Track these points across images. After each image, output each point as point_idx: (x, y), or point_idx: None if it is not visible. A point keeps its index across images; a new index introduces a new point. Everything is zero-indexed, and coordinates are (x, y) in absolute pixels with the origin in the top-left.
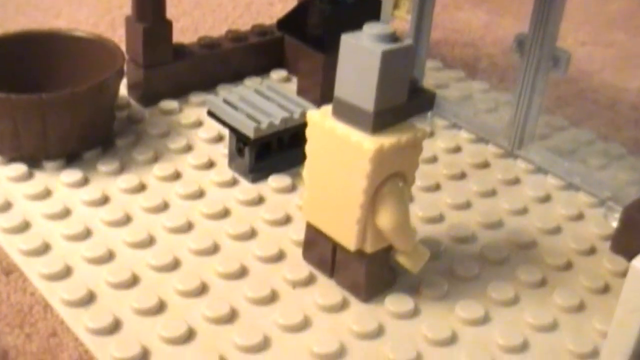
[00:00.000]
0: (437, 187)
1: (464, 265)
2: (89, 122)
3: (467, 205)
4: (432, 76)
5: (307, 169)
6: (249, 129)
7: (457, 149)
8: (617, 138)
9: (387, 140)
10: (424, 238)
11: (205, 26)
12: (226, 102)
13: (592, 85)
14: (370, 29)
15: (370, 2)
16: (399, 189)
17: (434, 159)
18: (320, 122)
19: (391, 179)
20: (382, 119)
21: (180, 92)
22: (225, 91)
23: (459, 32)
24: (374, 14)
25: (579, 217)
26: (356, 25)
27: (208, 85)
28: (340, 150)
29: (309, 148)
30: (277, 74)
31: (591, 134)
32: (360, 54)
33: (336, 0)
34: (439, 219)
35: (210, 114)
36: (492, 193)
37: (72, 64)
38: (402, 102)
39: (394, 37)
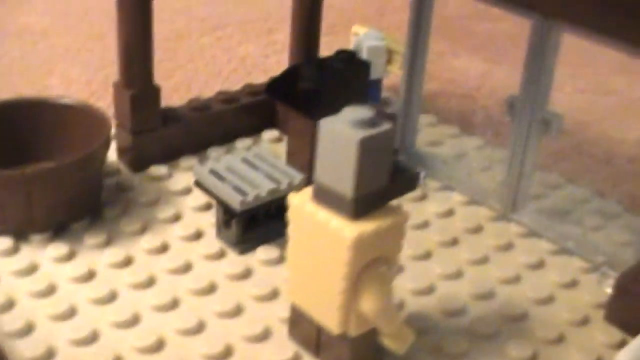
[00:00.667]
0: (427, 256)
1: (452, 341)
2: (76, 194)
3: (458, 275)
4: (427, 132)
5: (290, 250)
6: (235, 202)
7: (449, 213)
8: (613, 195)
9: (367, 226)
10: (413, 312)
11: (199, 81)
12: (213, 172)
13: (589, 137)
14: (349, 114)
15: (360, 65)
16: (381, 274)
17: (425, 224)
18: (301, 205)
19: (373, 264)
20: (363, 204)
21: (171, 156)
22: (215, 157)
23: (454, 83)
24: (364, 77)
25: (573, 284)
26: (345, 89)
27: (199, 147)
28: (320, 235)
29: (290, 230)
30: (269, 134)
31: (587, 192)
32: (337, 140)
33: (324, 65)
34: (429, 290)
35: (197, 184)
36: (484, 260)
37: (60, 131)
38: (383, 185)
39: (373, 122)
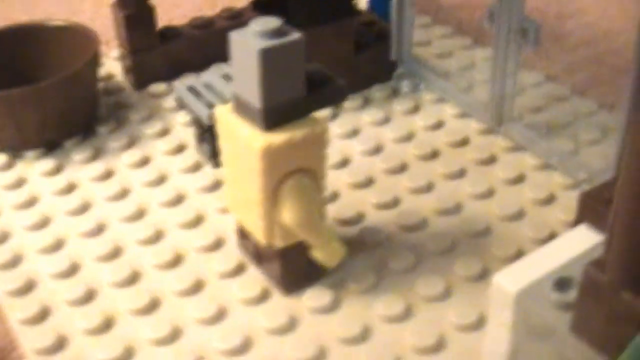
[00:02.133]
0: (401, 169)
1: (399, 257)
2: (64, 113)
3: (427, 189)
4: (438, 44)
5: (224, 164)
6: (204, 116)
7: (437, 126)
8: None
9: (277, 137)
10: (369, 225)
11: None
12: (191, 88)
13: (613, 47)
14: (255, 25)
15: None
16: (302, 185)
17: (408, 137)
18: (224, 117)
19: (294, 175)
20: (275, 115)
21: (175, 73)
22: (208, 72)
23: None
24: None
25: (547, 201)
26: (327, 5)
27: (204, 64)
28: (240, 147)
29: (220, 143)
30: None
31: (594, 104)
32: (244, 51)
33: None
34: (392, 204)
35: (177, 100)
36: (459, 174)
37: (54, 53)
38: (299, 96)
39: (280, 32)
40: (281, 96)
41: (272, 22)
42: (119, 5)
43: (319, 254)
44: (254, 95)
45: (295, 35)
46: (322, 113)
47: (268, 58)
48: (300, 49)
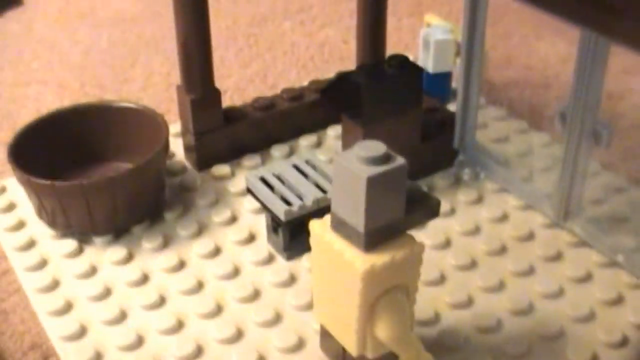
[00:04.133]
0: (472, 266)
1: None
2: (134, 200)
3: (499, 288)
4: (493, 127)
5: (313, 273)
6: (280, 212)
7: (502, 219)
8: None
9: (379, 259)
10: (446, 327)
11: (275, 71)
12: (262, 179)
13: None
14: (360, 150)
15: (411, 71)
16: (397, 301)
17: (476, 231)
18: (320, 233)
19: (390, 292)
20: (376, 237)
21: (236, 154)
22: (276, 157)
23: (533, 69)
24: (415, 83)
25: (616, 301)
26: (397, 96)
27: (264, 145)
28: (336, 264)
29: (312, 255)
30: (334, 130)
31: None
32: (349, 177)
33: (373, 73)
34: (466, 304)
35: (249, 191)
36: (529, 272)
37: (122, 134)
38: (399, 216)
39: (385, 158)
40: (383, 219)
41: (378, 147)
42: (185, 87)
43: None
44: (356, 219)
45: (400, 161)
46: None
47: (374, 185)
48: (403, 173)
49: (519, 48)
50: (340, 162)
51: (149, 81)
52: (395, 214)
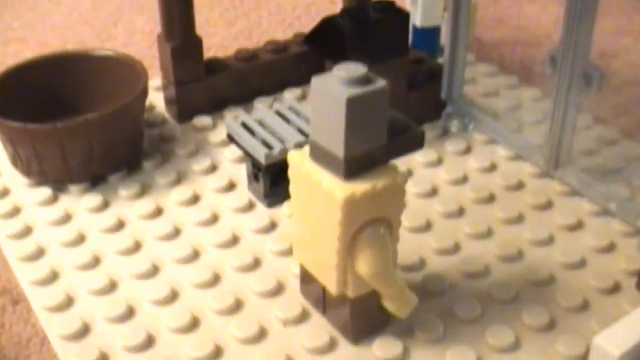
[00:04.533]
0: (459, 213)
1: (465, 305)
2: (110, 146)
3: (486, 235)
4: (483, 83)
5: (292, 210)
6: (260, 155)
7: (491, 168)
8: None
9: (359, 187)
10: (432, 272)
11: (260, 30)
12: (244, 125)
13: None
14: (339, 72)
15: (397, 16)
16: (379, 235)
17: (463, 180)
18: (299, 163)
19: (371, 225)
20: (356, 164)
21: (218, 106)
22: (259, 108)
23: (523, 30)
24: (401, 28)
25: (608, 249)
26: (382, 41)
27: (247, 98)
28: (315, 194)
29: (291, 188)
30: None
31: None
32: (327, 99)
33: (358, 16)
34: (453, 250)
35: (229, 137)
36: (518, 220)
37: (100, 83)
38: (380, 144)
39: (365, 79)
40: (363, 145)
41: (357, 69)
42: (165, 36)
43: (391, 304)
44: (336, 144)
45: (381, 83)
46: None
47: (354, 107)
48: (384, 97)
49: (510, 9)
50: (318, 85)
51: (132, 39)
52: (376, 141)
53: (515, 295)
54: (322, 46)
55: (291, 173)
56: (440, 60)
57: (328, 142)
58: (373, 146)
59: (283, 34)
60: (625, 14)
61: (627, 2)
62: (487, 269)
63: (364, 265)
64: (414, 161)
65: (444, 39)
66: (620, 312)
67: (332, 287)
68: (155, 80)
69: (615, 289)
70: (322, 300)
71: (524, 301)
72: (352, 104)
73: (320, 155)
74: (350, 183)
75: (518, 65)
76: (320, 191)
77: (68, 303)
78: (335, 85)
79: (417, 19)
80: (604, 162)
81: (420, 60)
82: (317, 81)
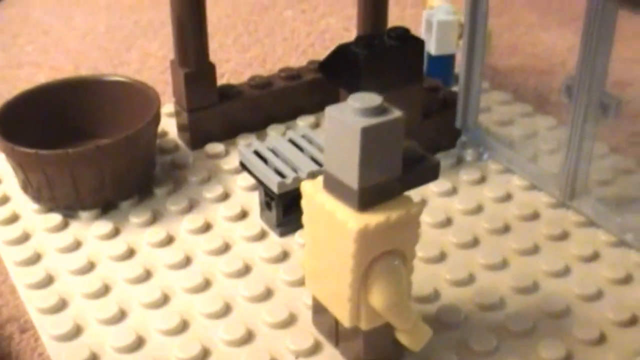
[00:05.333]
0: (474, 244)
1: (480, 338)
2: (122, 173)
3: (501, 266)
4: (497, 111)
5: (305, 240)
6: (273, 184)
7: (506, 198)
8: None
9: (373, 219)
10: (446, 304)
11: (274, 56)
12: (256, 153)
13: None
14: (354, 102)
15: (412, 44)
16: (393, 267)
17: (478, 209)
18: (312, 194)
19: (385, 257)
20: (370, 195)
21: (231, 133)
22: (272, 136)
23: (538, 58)
24: (416, 56)
25: (625, 280)
26: (397, 69)
27: (260, 125)
28: (329, 225)
29: (304, 218)
30: None
31: None
32: (342, 129)
33: (372, 44)
34: (468, 281)
35: (242, 165)
36: (533, 250)
37: (112, 109)
38: (395, 175)
39: (380, 110)
40: (378, 176)
41: (373, 99)
42: (179, 62)
43: (405, 337)
44: (350, 175)
45: (396, 114)
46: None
47: (369, 137)
48: (400, 127)
49: (525, 37)
50: (332, 114)
51: (145, 65)
52: (391, 172)
53: (531, 327)
54: (336, 74)
55: (304, 203)
56: (455, 88)
57: (342, 173)
58: (388, 177)
59: (297, 61)
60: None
61: None
62: (502, 300)
63: (377, 297)
64: (428, 191)
65: (459, 66)
66: (638, 345)
67: (345, 320)
68: (168, 107)
69: (633, 321)
70: (335, 332)
71: (540, 334)
72: (367, 134)
73: (333, 186)
74: (364, 214)
75: (533, 94)
76: (334, 222)
77: (76, 332)
78: (350, 115)
79: (431, 47)
80: (620, 192)
81: (434, 88)
82: (331, 110)
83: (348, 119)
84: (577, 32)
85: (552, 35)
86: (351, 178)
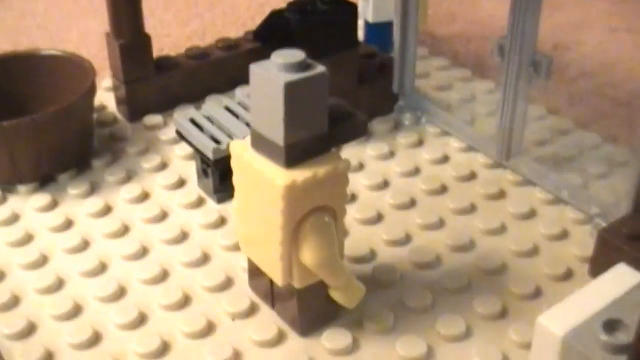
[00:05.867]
0: (410, 205)
1: (416, 295)
2: (60, 146)
3: (438, 225)
4: (436, 76)
5: (236, 202)
6: (209, 151)
7: (443, 160)
8: (629, 141)
9: (301, 175)
10: (382, 263)
11: (214, 30)
12: (192, 121)
13: (614, 79)
14: (277, 58)
15: (345, 8)
16: (324, 224)
17: (415, 172)
18: (241, 153)
19: (315, 214)
20: (298, 152)
21: (170, 105)
22: (209, 104)
23: (478, 25)
24: (350, 20)
25: (562, 236)
26: (331, 35)
27: (199, 96)
28: (258, 184)
29: (235, 180)
30: None
31: (598, 138)
32: (266, 85)
33: (306, 10)
34: (404, 241)
35: (178, 133)
36: (470, 210)
37: (48, 84)
38: (322, 132)
39: (304, 65)
40: (304, 132)
41: (296, 55)
42: (113, 34)
43: (339, 295)
44: (276, 132)
45: (320, 69)
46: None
47: (293, 92)
48: (324, 83)
49: (465, 5)
50: (256, 71)
51: (85, 42)
52: (317, 129)
53: (467, 284)
54: (270, 40)
55: (234, 164)
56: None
57: (269, 131)
58: (314, 134)
59: (237, 34)
60: (579, 6)
61: None
62: (438, 259)
63: (309, 254)
64: (366, 154)
65: (395, 29)
66: None
67: (279, 279)
68: (107, 81)
69: (568, 276)
70: (271, 294)
71: (475, 290)
72: (291, 89)
73: (261, 145)
74: (291, 171)
75: (472, 59)
76: (262, 180)
77: (14, 303)
78: (274, 71)
79: (369, 15)
80: (557, 152)
81: (370, 54)
82: (255, 68)
83: (272, 75)
84: None
85: (491, 3)
86: (277, 135)
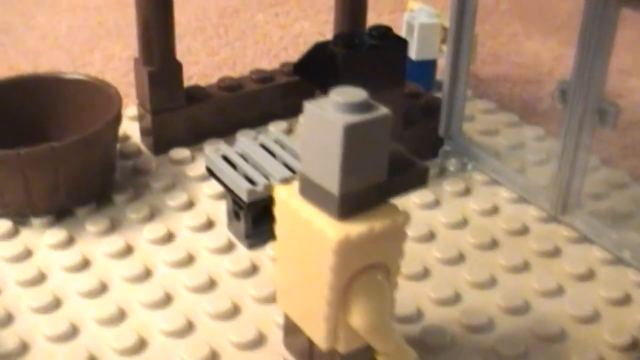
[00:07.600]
0: (459, 260)
1: None
2: (78, 177)
3: (489, 284)
4: (481, 120)
5: (277, 252)
6: (242, 191)
7: (492, 211)
8: None
9: (355, 228)
10: (430, 325)
11: (245, 60)
12: (225, 157)
13: None
14: (336, 96)
15: (395, 43)
16: (377, 284)
17: (463, 223)
18: (286, 200)
19: (367, 272)
20: (352, 202)
21: (198, 138)
22: (242, 140)
23: (523, 67)
24: (399, 57)
25: (623, 301)
26: (378, 70)
27: (229, 129)
28: (305, 235)
29: (277, 228)
30: None
31: None
32: (322, 126)
33: (353, 43)
34: (453, 300)
35: (209, 170)
36: (523, 268)
37: (71, 109)
38: (380, 181)
39: (365, 106)
40: (361, 181)
41: (357, 93)
42: (142, 59)
43: None
44: (330, 178)
45: (383, 111)
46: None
47: (353, 136)
48: (387, 126)
49: (508, 46)
50: (311, 109)
51: (108, 66)
52: (375, 177)
53: (524, 352)
54: (312, 74)
55: (277, 211)
56: (437, 94)
57: (321, 177)
58: (372, 182)
59: (269, 64)
60: (628, 52)
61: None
62: (491, 321)
63: (358, 317)
64: (409, 202)
65: (442, 72)
66: None
67: (321, 341)
68: (131, 109)
69: (633, 346)
70: (309, 355)
71: (533, 358)
72: (351, 132)
73: (311, 192)
74: (345, 223)
75: (518, 103)
76: (311, 232)
77: (23, 350)
78: (332, 111)
79: (412, 52)
80: (614, 206)
81: (416, 93)
82: (310, 105)
83: (329, 114)
84: (562, 41)
85: (536, 44)
86: (331, 182)
